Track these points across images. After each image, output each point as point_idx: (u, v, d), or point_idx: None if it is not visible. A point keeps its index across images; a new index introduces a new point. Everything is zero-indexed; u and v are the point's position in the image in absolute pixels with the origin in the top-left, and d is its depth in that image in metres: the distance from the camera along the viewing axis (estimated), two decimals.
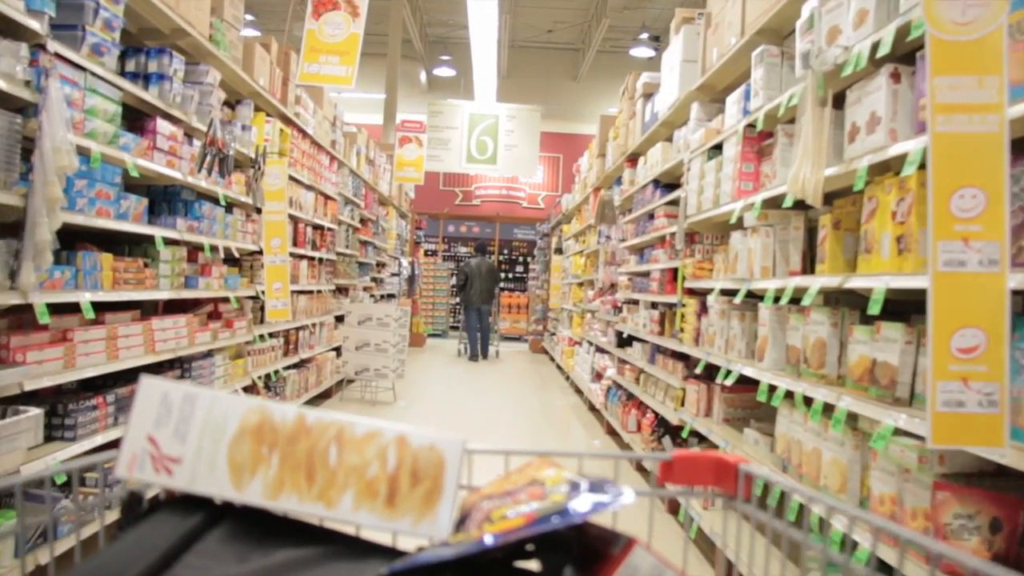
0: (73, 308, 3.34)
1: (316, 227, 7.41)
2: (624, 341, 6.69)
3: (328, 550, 0.68)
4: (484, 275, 12.65)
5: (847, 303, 2.85)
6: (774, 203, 3.51)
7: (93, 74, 3.25)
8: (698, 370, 4.20)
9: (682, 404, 4.70)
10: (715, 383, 4.16)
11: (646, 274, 5.99)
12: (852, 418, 2.48)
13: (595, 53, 17.87)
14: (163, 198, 4.42)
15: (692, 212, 4.59)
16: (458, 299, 13.27)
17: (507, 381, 10.55)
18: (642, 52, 16.99)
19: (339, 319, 8.41)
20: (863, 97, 2.53)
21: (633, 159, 6.95)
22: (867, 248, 2.47)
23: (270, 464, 0.73)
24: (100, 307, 3.58)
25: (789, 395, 3.00)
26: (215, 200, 4.69)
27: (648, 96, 6.38)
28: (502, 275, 18.68)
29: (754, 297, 3.71)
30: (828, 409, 2.64)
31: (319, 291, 7.51)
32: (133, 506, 0.73)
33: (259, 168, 5.17)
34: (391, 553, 0.68)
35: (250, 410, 0.75)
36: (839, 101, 2.83)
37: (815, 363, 2.78)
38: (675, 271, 5.17)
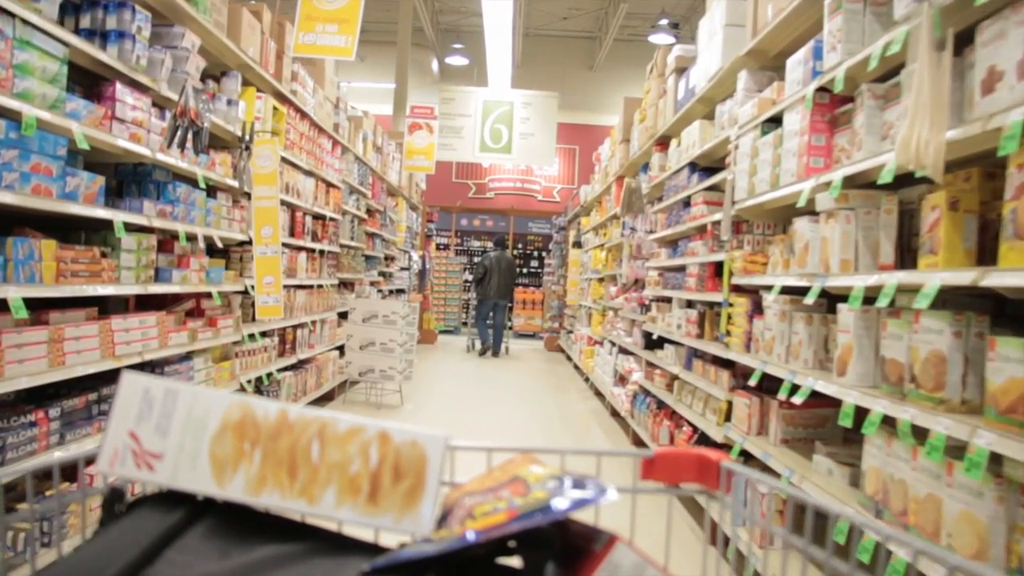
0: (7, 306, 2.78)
1: (317, 217, 6.83)
2: (653, 343, 6.07)
3: (310, 546, 0.67)
4: (503, 270, 12.36)
5: (957, 304, 2.23)
6: (852, 182, 2.90)
7: (25, 22, 2.66)
8: (752, 381, 3.58)
9: (727, 419, 4.08)
10: (773, 397, 3.55)
11: (680, 269, 5.37)
12: (994, 459, 1.87)
13: (612, 41, 17.24)
14: (133, 178, 3.84)
15: (742, 197, 3.97)
16: (473, 293, 12.84)
17: (522, 382, 9.94)
18: (661, 39, 16.30)
19: (343, 316, 7.84)
20: (1009, 31, 1.90)
21: (663, 142, 6.33)
22: (1017, 233, 1.85)
23: (252, 460, 0.72)
24: (44, 304, 3.01)
25: (886, 421, 2.39)
26: (194, 182, 4.11)
27: (682, 71, 5.75)
28: (516, 270, 18.10)
29: (825, 296, 3.09)
30: (950, 444, 2.02)
31: (320, 286, 6.93)
32: (114, 502, 0.71)
33: (247, 148, 4.58)
34: (373, 549, 0.67)
35: (232, 406, 0.74)
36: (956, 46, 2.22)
37: (929, 383, 2.16)
38: (718, 265, 4.55)
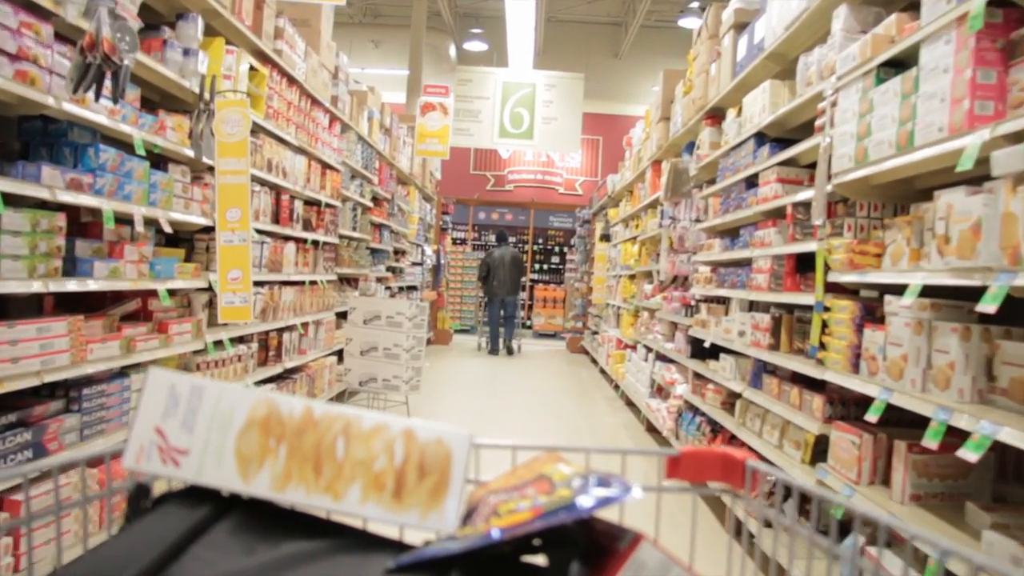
0: None
1: (310, 203, 5.91)
2: (704, 351, 5.10)
3: (335, 543, 0.66)
4: (508, 265, 11.87)
5: None
6: None
7: None
8: (873, 416, 2.60)
9: (818, 457, 3.13)
10: (889, 432, 2.58)
11: (743, 263, 4.40)
12: None
13: (639, 27, 16.21)
14: (43, 140, 2.95)
15: (845, 167, 3.00)
16: (481, 293, 12.22)
17: (543, 389, 8.98)
18: (691, 23, 15.26)
19: (343, 316, 6.93)
20: None
21: (715, 115, 5.35)
22: None
23: (277, 456, 0.71)
24: None
25: None
26: (131, 148, 3.20)
27: (742, 27, 4.78)
28: (536, 266, 17.18)
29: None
30: None
31: (313, 282, 6.02)
32: (140, 498, 0.70)
33: (207, 108, 3.67)
34: (398, 546, 0.66)
35: (257, 402, 0.73)
36: None
37: None
38: (801, 258, 3.59)
